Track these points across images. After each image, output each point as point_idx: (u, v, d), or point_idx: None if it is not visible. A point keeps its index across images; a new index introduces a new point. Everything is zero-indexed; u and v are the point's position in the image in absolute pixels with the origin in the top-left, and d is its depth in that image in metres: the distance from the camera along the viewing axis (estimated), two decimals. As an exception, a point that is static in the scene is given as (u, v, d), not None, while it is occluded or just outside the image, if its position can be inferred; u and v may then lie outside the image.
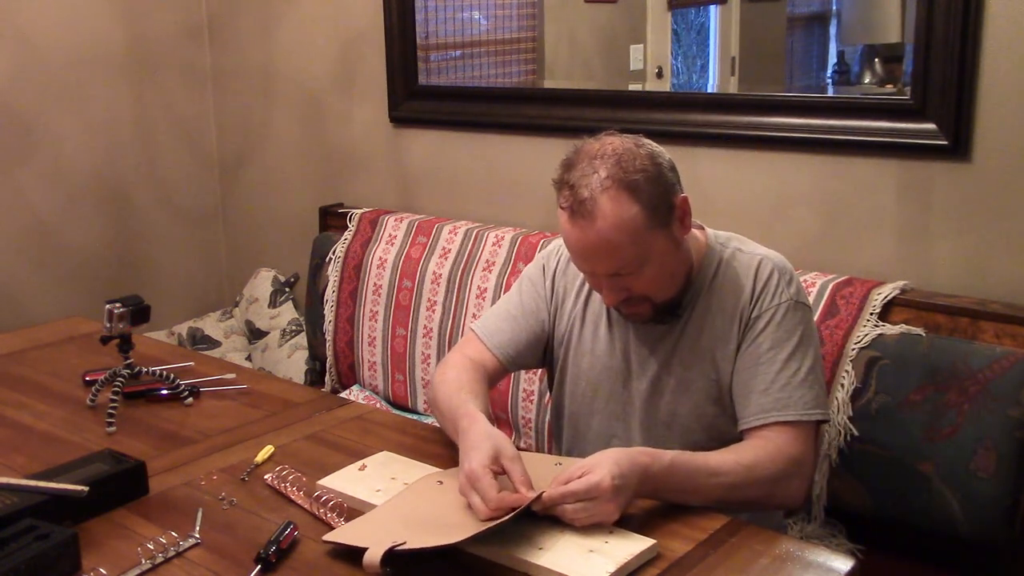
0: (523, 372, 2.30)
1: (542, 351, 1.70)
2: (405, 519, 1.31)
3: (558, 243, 1.70)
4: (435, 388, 1.60)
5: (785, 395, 1.47)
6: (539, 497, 1.28)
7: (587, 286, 1.64)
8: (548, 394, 2.19)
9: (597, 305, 1.63)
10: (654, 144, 1.48)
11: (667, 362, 1.56)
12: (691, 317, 1.55)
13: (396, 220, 2.70)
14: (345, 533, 1.29)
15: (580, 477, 1.29)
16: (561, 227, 1.46)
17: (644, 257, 1.43)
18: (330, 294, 2.73)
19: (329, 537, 1.28)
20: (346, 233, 2.77)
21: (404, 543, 1.20)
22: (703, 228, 1.60)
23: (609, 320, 1.62)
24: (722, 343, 1.53)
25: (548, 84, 3.03)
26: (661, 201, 1.42)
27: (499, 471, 1.32)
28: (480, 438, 1.36)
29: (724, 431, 1.54)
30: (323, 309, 2.75)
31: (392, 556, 1.19)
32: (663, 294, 1.50)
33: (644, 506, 1.36)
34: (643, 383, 1.58)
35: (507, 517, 1.25)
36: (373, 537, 1.23)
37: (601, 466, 1.29)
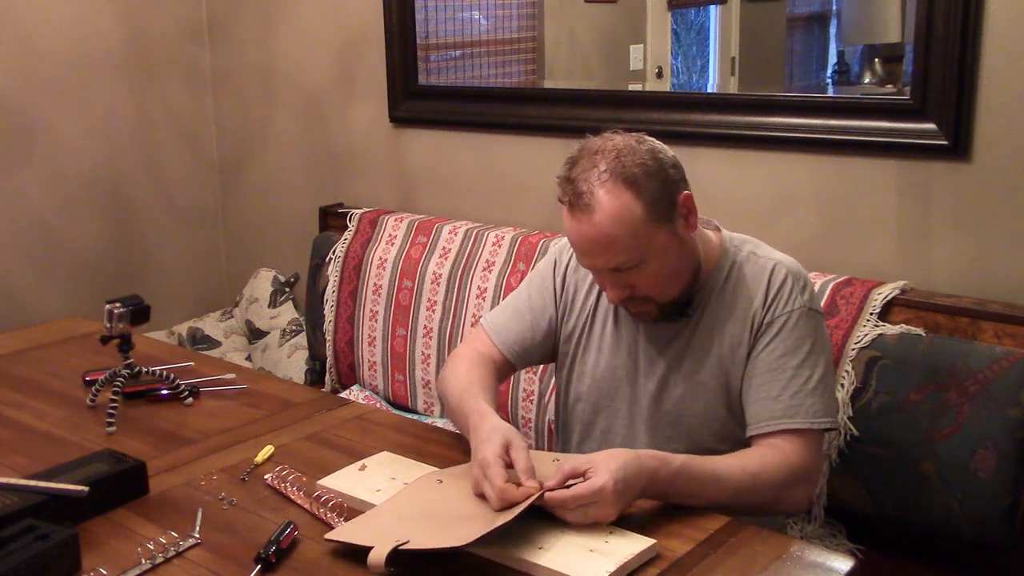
0: (524, 372, 2.30)
1: (551, 347, 1.70)
2: (407, 516, 1.31)
3: None
4: (446, 381, 1.61)
5: (796, 403, 1.46)
6: (542, 496, 1.29)
7: None
8: (550, 391, 2.20)
9: (607, 303, 1.63)
10: (657, 141, 1.48)
11: (676, 363, 1.56)
12: (702, 318, 1.55)
13: (396, 220, 2.70)
14: (347, 531, 1.29)
15: (583, 475, 1.29)
16: (564, 223, 1.47)
17: (644, 252, 1.43)
18: (330, 294, 2.73)
19: (331, 536, 1.29)
20: (346, 233, 2.77)
21: (408, 542, 1.21)
22: (719, 229, 1.59)
23: (617, 318, 1.62)
24: (733, 347, 1.52)
25: (548, 84, 3.03)
26: (661, 196, 1.43)
27: (509, 462, 1.34)
28: (491, 431, 1.38)
29: (732, 434, 1.54)
30: (323, 309, 2.75)
31: (396, 555, 1.19)
32: (666, 293, 1.50)
33: (644, 506, 1.36)
34: (651, 383, 1.58)
35: (510, 518, 1.25)
36: (376, 535, 1.24)
37: (606, 469, 1.29)
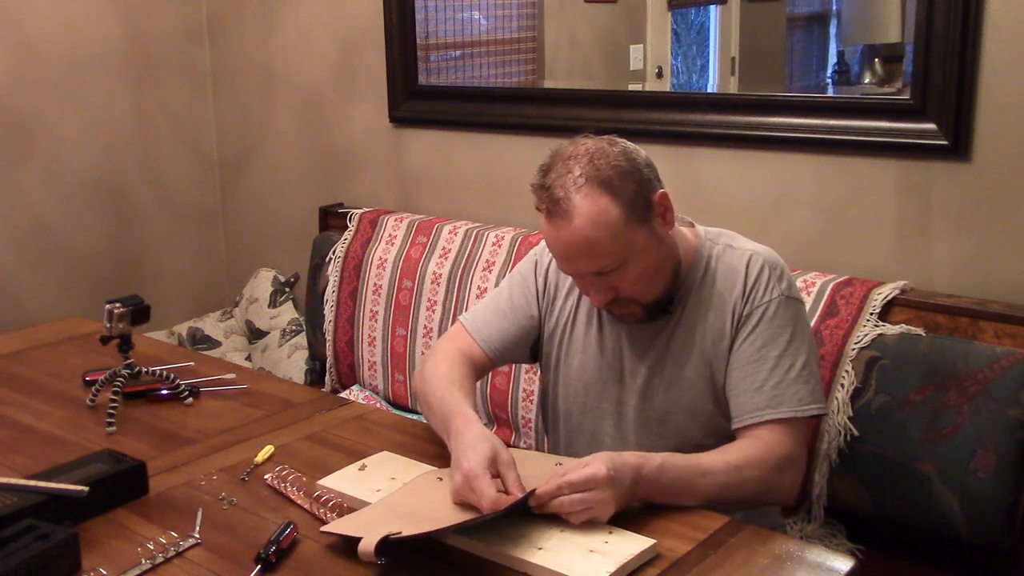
0: (524, 372, 2.30)
1: (530, 347, 1.70)
2: (404, 512, 1.31)
3: None
4: (425, 380, 1.60)
5: (779, 392, 1.47)
6: (534, 492, 1.29)
7: None
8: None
9: (589, 303, 1.63)
10: (628, 142, 1.49)
11: (660, 360, 1.56)
12: (683, 314, 1.55)
13: (396, 220, 2.71)
14: (343, 524, 1.30)
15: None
16: (542, 230, 1.47)
17: (625, 253, 1.43)
18: (330, 294, 2.73)
19: (327, 528, 1.30)
20: (346, 233, 2.77)
21: (399, 532, 1.21)
22: (693, 225, 1.60)
23: (600, 318, 1.62)
24: (715, 340, 1.53)
25: (548, 84, 3.03)
26: (637, 196, 1.43)
27: (495, 474, 1.32)
28: (477, 439, 1.36)
29: (721, 428, 1.54)
30: (323, 309, 2.75)
31: (387, 545, 1.19)
32: (650, 293, 1.50)
33: (644, 506, 1.36)
34: (636, 381, 1.59)
35: (502, 509, 1.26)
36: (371, 528, 1.24)
37: (597, 460, 1.31)
